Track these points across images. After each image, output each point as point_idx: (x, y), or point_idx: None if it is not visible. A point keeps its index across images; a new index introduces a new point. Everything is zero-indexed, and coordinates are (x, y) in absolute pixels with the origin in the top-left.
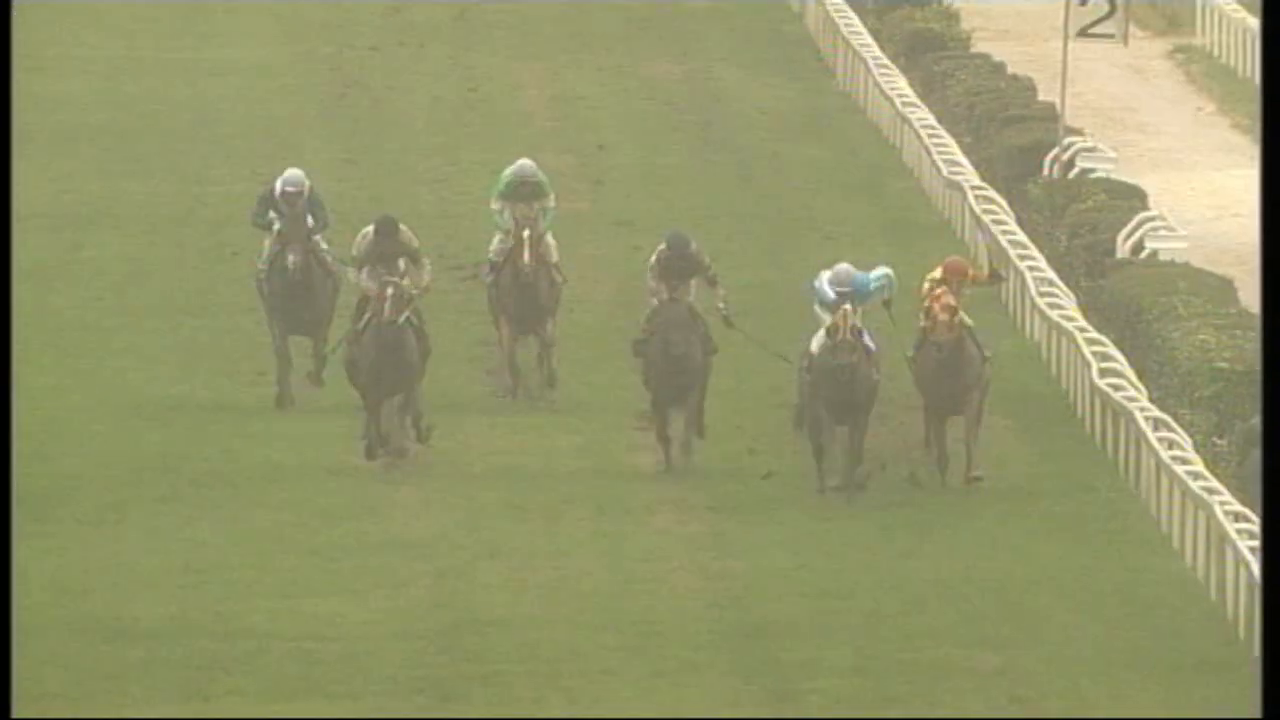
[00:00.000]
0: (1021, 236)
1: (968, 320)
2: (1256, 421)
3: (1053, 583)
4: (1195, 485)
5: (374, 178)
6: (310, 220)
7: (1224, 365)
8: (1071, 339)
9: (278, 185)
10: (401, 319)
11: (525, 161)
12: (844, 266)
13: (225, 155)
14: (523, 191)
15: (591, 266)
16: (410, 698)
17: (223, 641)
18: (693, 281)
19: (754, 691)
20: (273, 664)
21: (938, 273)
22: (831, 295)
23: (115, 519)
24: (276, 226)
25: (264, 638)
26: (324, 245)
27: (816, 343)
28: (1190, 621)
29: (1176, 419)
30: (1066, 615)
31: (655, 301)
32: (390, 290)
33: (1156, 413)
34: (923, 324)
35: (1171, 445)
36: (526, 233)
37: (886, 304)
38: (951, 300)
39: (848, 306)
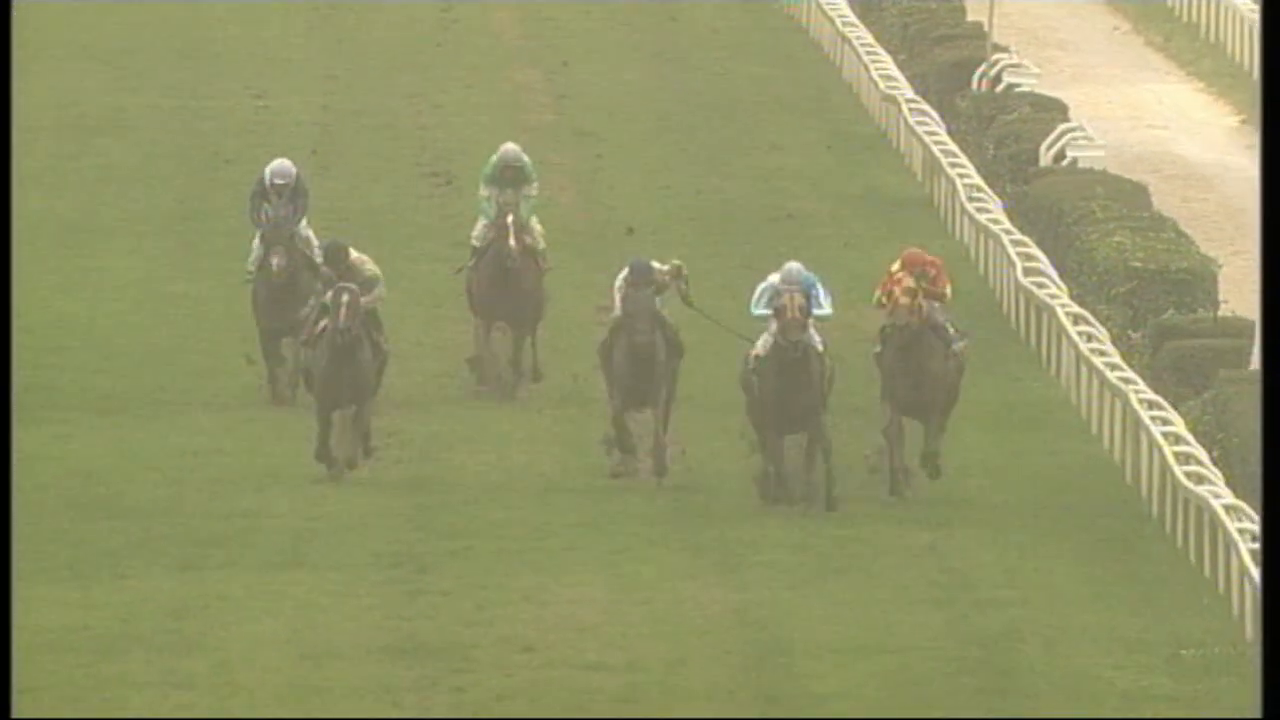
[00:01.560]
0: (952, 146)
1: (938, 316)
2: (1169, 317)
3: (980, 466)
4: (1112, 375)
5: (354, 92)
6: (292, 210)
7: (1138, 264)
8: (998, 240)
9: (267, 176)
10: (355, 326)
11: (510, 146)
12: (794, 265)
13: (219, 71)
14: (508, 175)
15: (557, 173)
16: (389, 570)
17: (216, 520)
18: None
19: (705, 565)
20: (262, 540)
21: (896, 264)
22: (767, 312)
23: (118, 408)
24: (260, 231)
25: (254, 516)
26: (313, 240)
27: (762, 343)
28: (1107, 501)
29: (1094, 314)
30: (993, 496)
31: (618, 307)
32: (345, 297)
33: (1076, 308)
34: (884, 305)
35: (1090, 338)
36: (510, 218)
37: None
38: (911, 283)
39: (796, 293)
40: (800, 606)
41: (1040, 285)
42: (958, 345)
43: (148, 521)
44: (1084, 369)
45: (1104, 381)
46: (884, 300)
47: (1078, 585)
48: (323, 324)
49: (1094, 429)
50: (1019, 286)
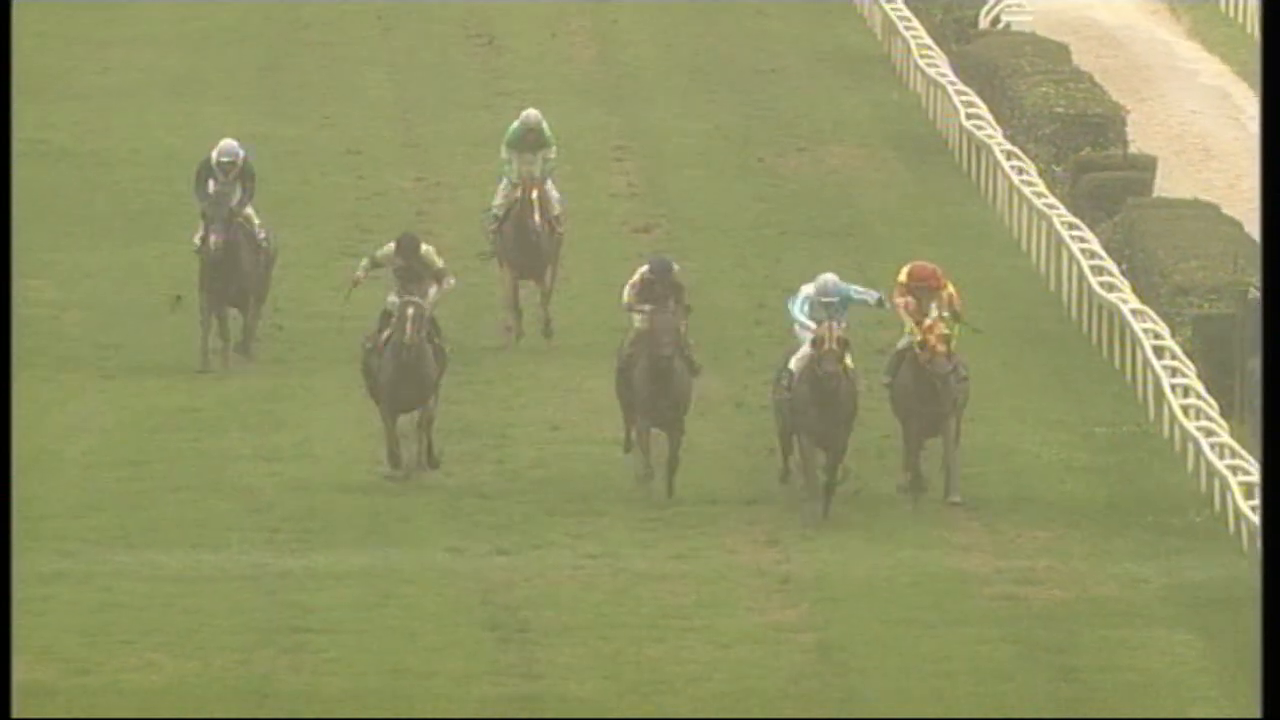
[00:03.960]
0: (906, 11)
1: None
2: (1086, 153)
3: None
4: (1038, 202)
5: None
6: (239, 192)
7: (1060, 110)
8: (944, 91)
9: (214, 155)
10: (419, 338)
11: (531, 111)
12: (828, 277)
13: None
14: (528, 140)
15: (579, 34)
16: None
17: (303, 321)
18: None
19: (708, 362)
20: (340, 340)
21: (904, 274)
22: (808, 321)
23: None
24: (202, 208)
25: (333, 319)
26: (255, 219)
27: (796, 360)
28: (1034, 306)
29: (1024, 151)
30: None
31: (637, 320)
32: (411, 310)
33: (1009, 146)
34: (915, 350)
35: (1020, 171)
36: (535, 193)
37: (880, 303)
38: (944, 329)
39: (832, 321)
40: None
41: (979, 127)
42: (964, 373)
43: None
44: (1015, 196)
45: (1031, 207)
46: (915, 333)
47: (1009, 376)
48: (387, 333)
49: (1023, 246)
50: (961, 128)
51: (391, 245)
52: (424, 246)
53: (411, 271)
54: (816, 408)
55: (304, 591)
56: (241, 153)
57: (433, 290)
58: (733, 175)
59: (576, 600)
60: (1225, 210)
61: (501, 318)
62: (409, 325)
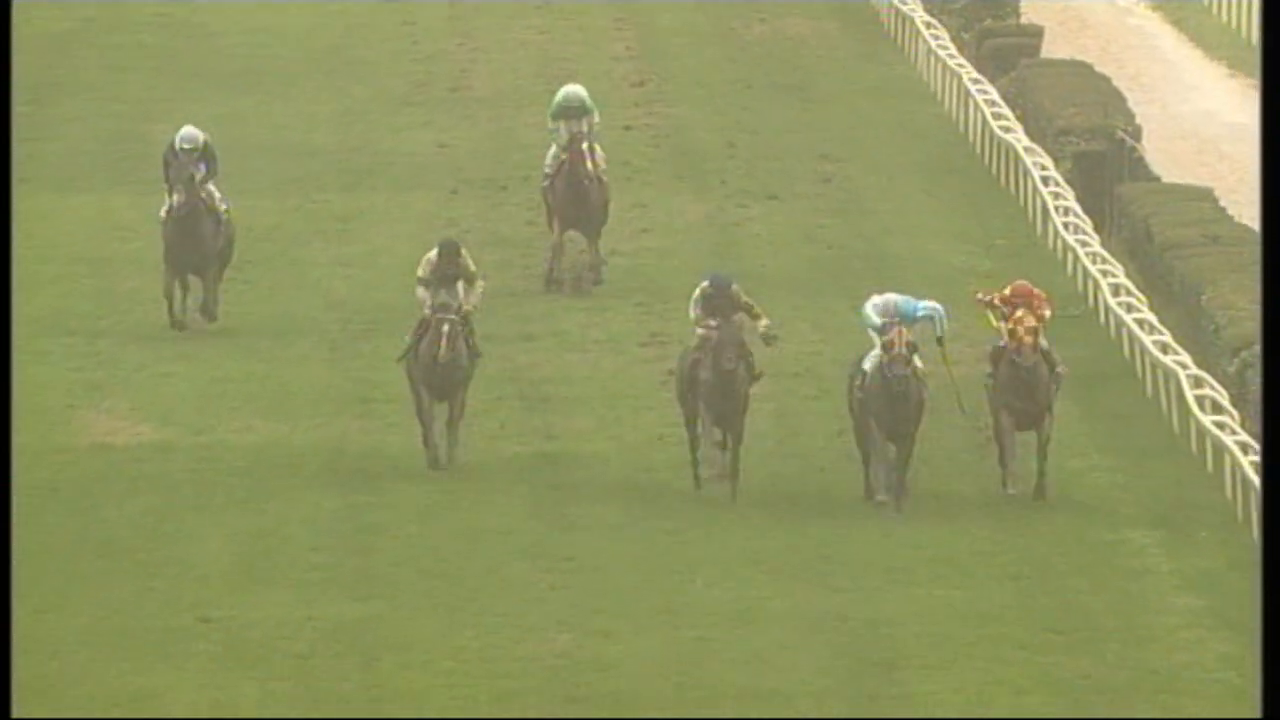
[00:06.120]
0: None
1: (1044, 343)
2: (988, 23)
3: (863, 124)
4: (950, 62)
5: None
6: (203, 169)
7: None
8: None
9: (177, 141)
10: (457, 355)
11: (571, 86)
12: (890, 297)
13: None
14: (571, 109)
15: None
16: (481, 191)
17: (364, 156)
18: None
19: (686, 195)
20: (397, 169)
21: (1008, 290)
22: (878, 322)
23: (300, 82)
24: (166, 178)
25: (390, 155)
26: (215, 193)
27: (870, 361)
28: (946, 145)
29: (939, 21)
30: (872, 144)
31: (700, 331)
32: (446, 327)
33: (927, 17)
34: (1004, 344)
35: (936, 37)
36: (585, 144)
37: (940, 341)
38: (1033, 321)
39: (901, 326)
40: None
41: (903, 2)
42: (1061, 369)
43: (314, 158)
44: (932, 58)
45: (944, 65)
46: (1007, 336)
47: (927, 201)
48: (424, 342)
49: (938, 97)
50: (890, 3)
51: (434, 253)
52: (463, 251)
53: (449, 276)
54: (887, 406)
55: (371, 369)
56: (202, 138)
57: (462, 290)
58: (709, 41)
59: (586, 377)
60: (1098, 69)
61: (546, 268)
62: (444, 341)
